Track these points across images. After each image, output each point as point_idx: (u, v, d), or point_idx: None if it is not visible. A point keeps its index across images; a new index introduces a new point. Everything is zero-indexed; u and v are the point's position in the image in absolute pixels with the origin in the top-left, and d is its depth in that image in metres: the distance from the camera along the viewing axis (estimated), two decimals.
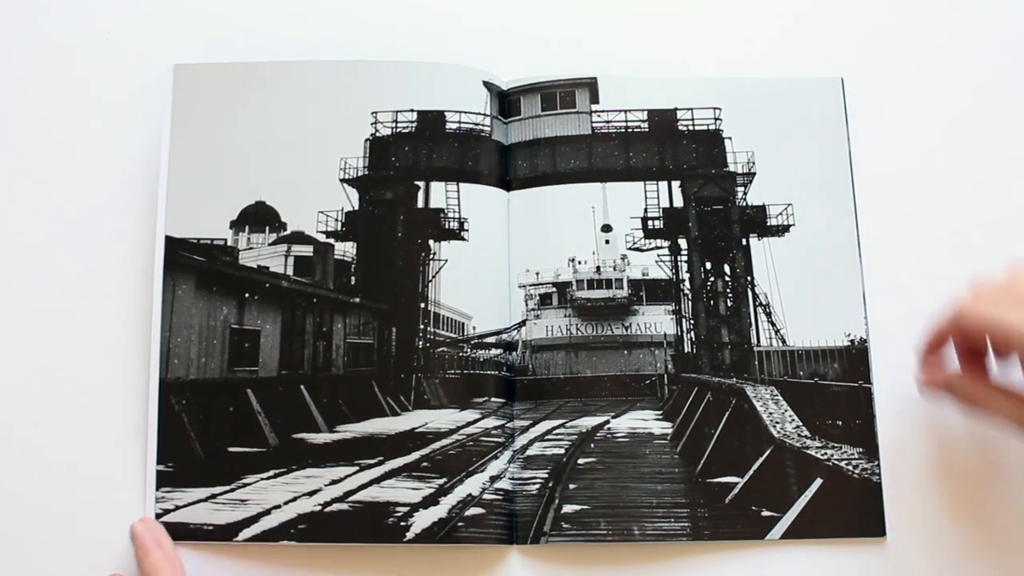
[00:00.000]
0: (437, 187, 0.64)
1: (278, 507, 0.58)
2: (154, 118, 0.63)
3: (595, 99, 0.66)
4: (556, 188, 0.65)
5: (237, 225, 0.61)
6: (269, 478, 0.59)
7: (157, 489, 0.58)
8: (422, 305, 0.62)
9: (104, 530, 0.58)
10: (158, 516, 0.58)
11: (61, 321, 0.62)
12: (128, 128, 0.65)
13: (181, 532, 0.57)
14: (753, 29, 0.69)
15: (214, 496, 0.58)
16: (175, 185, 0.61)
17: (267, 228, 0.62)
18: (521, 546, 0.58)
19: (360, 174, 0.63)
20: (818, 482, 0.59)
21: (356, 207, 0.63)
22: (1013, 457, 0.60)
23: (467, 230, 0.63)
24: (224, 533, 0.57)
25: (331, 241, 0.62)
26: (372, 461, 0.59)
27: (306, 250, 0.63)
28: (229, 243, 0.62)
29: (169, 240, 0.61)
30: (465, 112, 0.64)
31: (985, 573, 0.58)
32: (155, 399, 0.59)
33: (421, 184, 0.64)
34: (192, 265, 0.60)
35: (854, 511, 0.58)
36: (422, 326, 0.62)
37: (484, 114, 0.65)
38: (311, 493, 0.58)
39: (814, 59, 0.67)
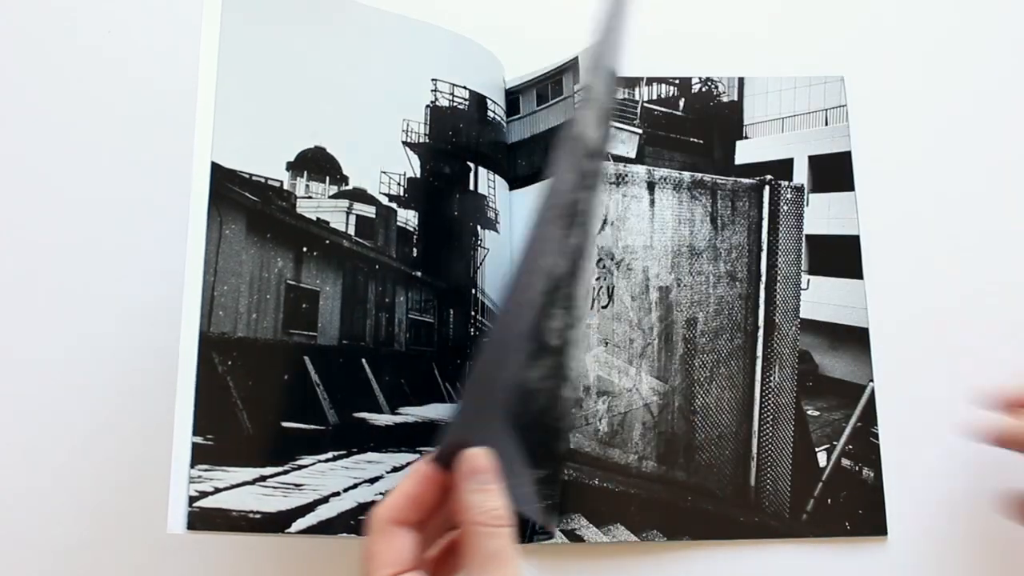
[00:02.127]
0: (481, 173, 0.62)
1: (337, 495, 0.51)
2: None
3: (578, 79, 0.65)
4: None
5: (295, 168, 0.54)
6: (327, 460, 0.51)
7: (192, 466, 0.47)
8: (472, 291, 0.59)
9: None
10: (192, 500, 0.47)
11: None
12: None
13: (220, 521, 0.47)
14: (753, 28, 0.69)
15: (263, 478, 0.49)
16: (223, 109, 0.52)
17: (327, 179, 0.55)
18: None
19: (422, 140, 0.59)
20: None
21: (418, 175, 0.58)
22: (1016, 456, 0.59)
23: (499, 223, 0.62)
24: (274, 523, 0.48)
25: (393, 206, 0.57)
26: (433, 449, 0.55)
27: (368, 210, 0.57)
28: (285, 187, 0.54)
29: (217, 169, 0.51)
30: (496, 103, 0.64)
31: (987, 573, 0.57)
32: (192, 354, 0.49)
33: (472, 166, 0.61)
34: (243, 203, 0.52)
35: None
36: (473, 312, 0.59)
37: (504, 108, 0.65)
38: (372, 480, 0.52)
39: (815, 57, 0.67)
